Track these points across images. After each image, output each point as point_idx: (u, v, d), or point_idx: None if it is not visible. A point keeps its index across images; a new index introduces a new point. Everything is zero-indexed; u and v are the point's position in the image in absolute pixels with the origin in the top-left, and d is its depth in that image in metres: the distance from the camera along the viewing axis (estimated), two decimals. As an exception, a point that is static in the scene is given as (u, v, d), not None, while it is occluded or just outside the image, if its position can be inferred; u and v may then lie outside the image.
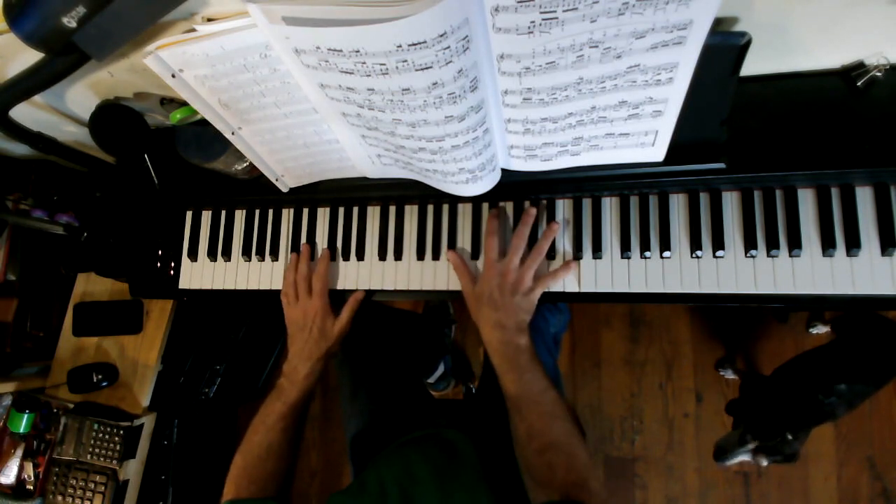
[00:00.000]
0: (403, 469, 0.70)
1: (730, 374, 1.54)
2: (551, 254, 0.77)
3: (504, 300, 0.71)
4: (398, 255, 0.83)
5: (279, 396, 0.78)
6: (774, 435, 1.05)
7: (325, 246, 0.86)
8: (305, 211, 0.88)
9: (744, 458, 1.14)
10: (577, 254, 0.76)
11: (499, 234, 0.75)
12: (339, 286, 0.84)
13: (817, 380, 1.07)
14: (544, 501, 0.59)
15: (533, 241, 0.75)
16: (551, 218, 0.78)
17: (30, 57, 0.56)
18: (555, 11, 0.47)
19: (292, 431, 0.77)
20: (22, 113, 0.72)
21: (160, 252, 0.93)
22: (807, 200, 0.71)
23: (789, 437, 1.03)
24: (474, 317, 0.75)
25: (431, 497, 0.64)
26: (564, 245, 0.77)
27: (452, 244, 0.81)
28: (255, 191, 0.85)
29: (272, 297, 0.87)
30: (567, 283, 0.76)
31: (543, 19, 0.48)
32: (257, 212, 0.90)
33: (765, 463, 1.09)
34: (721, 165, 0.68)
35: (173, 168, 0.86)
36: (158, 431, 1.17)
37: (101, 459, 1.07)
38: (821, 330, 1.48)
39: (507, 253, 0.74)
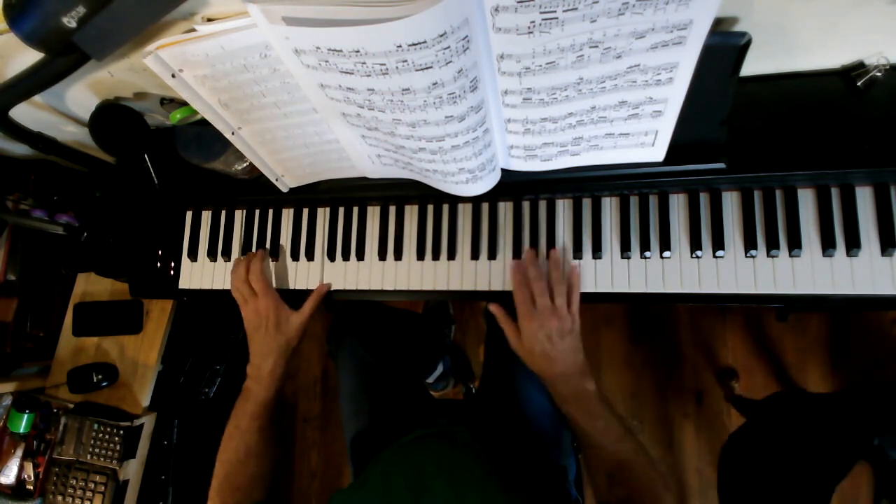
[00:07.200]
0: (408, 464, 0.69)
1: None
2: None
3: (556, 350, 0.68)
4: (398, 256, 0.83)
5: (248, 398, 0.77)
6: None
7: (326, 246, 0.86)
8: (305, 211, 0.88)
9: None
10: (577, 254, 0.76)
11: (526, 284, 0.72)
12: (339, 286, 0.84)
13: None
14: None
15: None
16: (552, 217, 0.78)
17: (30, 57, 0.56)
18: (555, 11, 0.47)
19: (268, 431, 0.77)
20: (22, 113, 0.72)
21: (160, 252, 0.93)
22: (807, 200, 0.71)
23: None
24: (534, 370, 0.72)
25: (442, 490, 0.63)
26: (564, 245, 0.77)
27: (452, 244, 0.81)
28: (255, 191, 0.85)
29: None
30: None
31: (543, 19, 0.48)
32: (257, 212, 0.90)
33: None
34: (721, 165, 0.68)
35: (173, 168, 0.86)
36: (158, 431, 1.17)
37: (101, 459, 1.06)
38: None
39: (534, 298, 0.71)
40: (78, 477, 1.06)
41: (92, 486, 1.06)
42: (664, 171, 0.69)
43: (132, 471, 1.10)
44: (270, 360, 0.78)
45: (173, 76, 0.60)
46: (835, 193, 0.70)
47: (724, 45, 0.57)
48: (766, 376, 1.54)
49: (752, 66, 0.68)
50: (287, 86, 0.61)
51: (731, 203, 0.73)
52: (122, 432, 1.07)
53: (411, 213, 0.84)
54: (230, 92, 0.63)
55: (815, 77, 0.69)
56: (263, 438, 0.76)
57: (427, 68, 0.50)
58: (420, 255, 0.82)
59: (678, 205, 0.75)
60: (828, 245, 0.69)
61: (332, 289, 0.84)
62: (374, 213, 0.86)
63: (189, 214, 0.93)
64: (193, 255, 0.91)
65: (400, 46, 0.48)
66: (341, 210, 0.87)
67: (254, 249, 0.89)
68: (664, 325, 1.61)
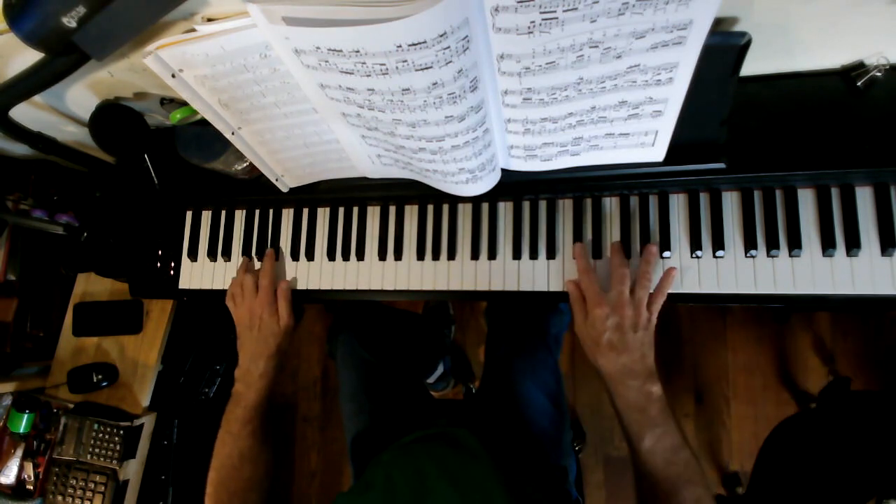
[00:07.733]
0: (411, 466, 0.69)
1: None
2: (552, 254, 0.77)
3: (625, 340, 0.64)
4: (398, 256, 0.83)
5: (238, 402, 0.76)
6: None
7: (326, 246, 0.86)
8: (305, 211, 0.88)
9: None
10: (577, 254, 0.76)
11: (592, 270, 0.71)
12: (339, 286, 0.84)
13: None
14: None
15: None
16: (552, 218, 0.78)
17: (30, 57, 0.56)
18: (555, 11, 0.47)
19: (261, 434, 0.76)
20: (22, 113, 0.72)
21: (160, 252, 0.93)
22: (807, 200, 0.71)
23: None
24: (593, 362, 0.68)
25: (445, 492, 0.63)
26: (564, 245, 0.77)
27: (452, 244, 0.81)
28: (255, 191, 0.85)
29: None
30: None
31: (543, 19, 0.48)
32: (257, 212, 0.90)
33: None
34: (721, 165, 0.68)
35: (173, 168, 0.86)
36: (158, 431, 1.17)
37: (101, 459, 1.06)
38: None
39: (612, 285, 0.67)
40: (78, 477, 1.06)
41: (92, 486, 1.06)
42: (664, 171, 0.69)
43: (132, 471, 1.10)
44: (261, 362, 0.78)
45: (173, 76, 0.60)
46: (835, 193, 0.70)
47: (724, 45, 0.57)
48: (766, 376, 1.54)
49: (752, 66, 0.68)
50: (287, 86, 0.61)
51: (731, 203, 0.73)
52: (122, 432, 1.07)
53: (411, 213, 0.84)
54: (230, 92, 0.63)
55: (815, 77, 0.69)
56: (257, 443, 0.75)
57: (427, 68, 0.50)
58: (420, 256, 0.82)
59: (678, 205, 0.75)
60: (828, 245, 0.69)
61: (332, 289, 0.84)
62: (374, 213, 0.86)
63: (189, 214, 0.93)
64: (193, 256, 0.91)
65: (400, 46, 0.48)
66: (341, 210, 0.87)
67: (254, 249, 0.89)
68: (664, 325, 1.61)
